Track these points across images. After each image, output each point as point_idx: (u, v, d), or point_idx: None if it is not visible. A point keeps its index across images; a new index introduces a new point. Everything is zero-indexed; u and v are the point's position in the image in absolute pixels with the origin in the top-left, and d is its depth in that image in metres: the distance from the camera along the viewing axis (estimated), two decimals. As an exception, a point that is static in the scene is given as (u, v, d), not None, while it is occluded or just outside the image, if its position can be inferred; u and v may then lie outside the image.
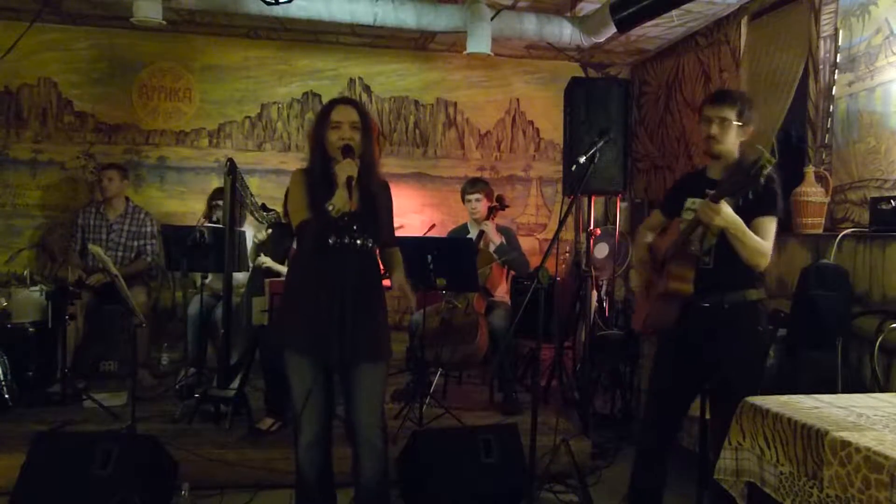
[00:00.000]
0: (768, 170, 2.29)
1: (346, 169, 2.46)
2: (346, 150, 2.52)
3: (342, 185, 2.43)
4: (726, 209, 2.46)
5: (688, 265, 2.63)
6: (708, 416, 2.83)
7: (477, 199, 4.61)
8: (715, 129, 2.66)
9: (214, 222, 4.53)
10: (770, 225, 2.59)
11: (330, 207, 2.39)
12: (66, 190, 5.80)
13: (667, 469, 2.88)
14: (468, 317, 4.37)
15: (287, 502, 3.17)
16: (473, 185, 4.68)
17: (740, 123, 2.66)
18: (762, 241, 2.55)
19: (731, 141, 2.68)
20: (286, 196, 3.92)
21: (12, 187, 5.73)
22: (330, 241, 2.52)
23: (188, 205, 5.87)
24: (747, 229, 2.51)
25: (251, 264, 4.43)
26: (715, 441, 2.66)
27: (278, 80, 6.11)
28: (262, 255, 4.24)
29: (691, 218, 2.62)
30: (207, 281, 4.74)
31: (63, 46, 5.77)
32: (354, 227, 2.55)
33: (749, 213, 2.54)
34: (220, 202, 4.72)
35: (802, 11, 4.15)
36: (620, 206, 5.79)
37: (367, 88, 6.25)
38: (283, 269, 4.20)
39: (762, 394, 2.30)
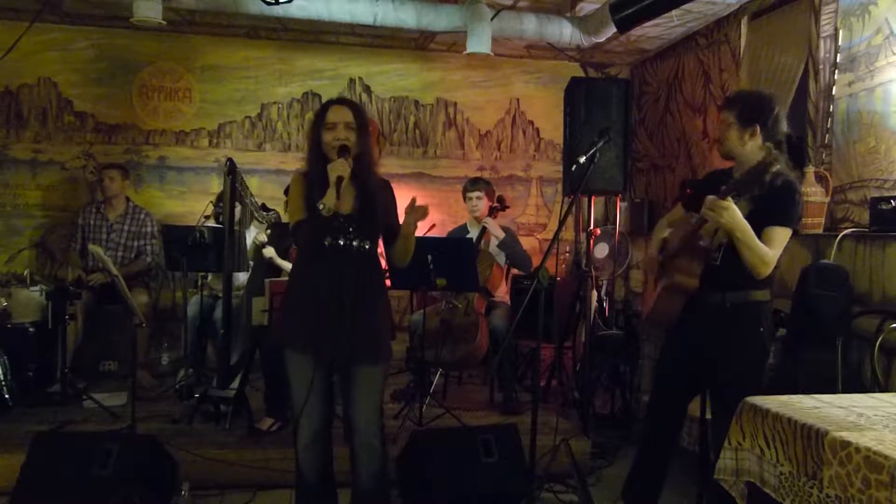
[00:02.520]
0: (776, 168, 2.29)
1: (337, 169, 2.47)
2: (341, 150, 2.53)
3: (332, 185, 2.43)
4: (733, 209, 2.44)
5: (696, 260, 2.63)
6: (708, 415, 2.84)
7: (478, 197, 4.61)
8: (719, 132, 2.71)
9: (220, 223, 4.52)
10: (780, 234, 2.56)
11: (321, 206, 2.40)
12: (66, 190, 5.81)
13: (666, 473, 2.88)
14: (468, 317, 4.37)
15: (287, 502, 3.17)
16: (475, 183, 4.69)
17: (740, 124, 2.65)
18: (766, 249, 2.52)
19: (734, 142, 2.67)
20: (286, 195, 3.95)
21: (12, 187, 5.73)
22: (326, 242, 2.53)
23: (188, 205, 5.87)
24: (751, 234, 2.48)
25: (251, 263, 4.43)
26: (714, 441, 2.66)
27: (278, 80, 6.11)
28: (267, 245, 4.20)
29: (699, 216, 2.61)
30: (207, 280, 4.75)
31: (63, 46, 5.77)
32: (350, 229, 2.55)
33: (762, 220, 2.52)
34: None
35: (802, 11, 4.15)
36: (620, 206, 5.79)
37: (367, 88, 6.25)
38: (285, 263, 4.19)
39: (762, 394, 2.31)
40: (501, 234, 4.54)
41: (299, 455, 2.62)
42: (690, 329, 2.72)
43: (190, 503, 3.21)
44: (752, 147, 2.67)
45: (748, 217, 2.49)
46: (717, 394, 2.72)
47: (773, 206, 2.51)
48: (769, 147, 2.53)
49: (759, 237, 2.51)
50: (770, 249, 2.53)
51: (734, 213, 2.44)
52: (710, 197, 2.45)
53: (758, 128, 2.67)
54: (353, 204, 2.59)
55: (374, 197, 2.64)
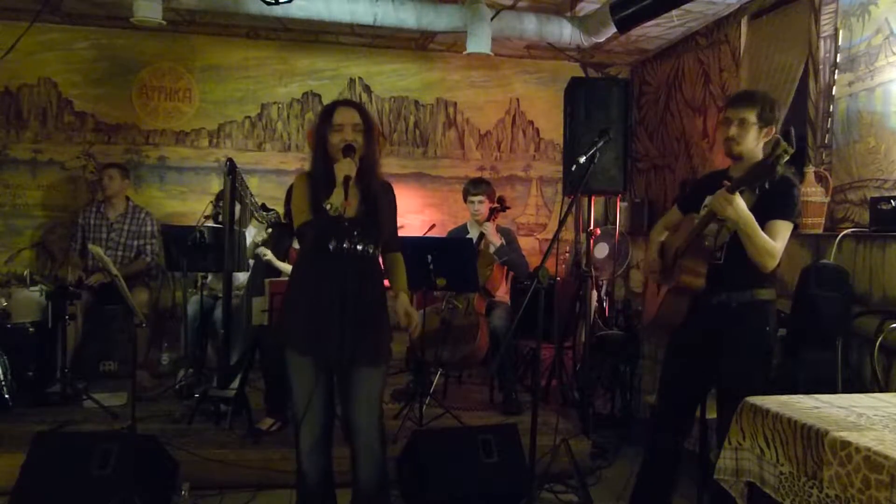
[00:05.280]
0: (786, 158, 2.27)
1: (343, 168, 2.47)
2: (347, 150, 2.53)
3: (339, 184, 2.43)
4: (740, 202, 2.44)
5: (701, 260, 2.62)
6: (711, 415, 2.83)
7: (479, 201, 4.60)
8: (734, 131, 2.64)
9: (220, 223, 4.52)
10: (783, 228, 2.56)
11: (328, 206, 2.40)
12: (66, 190, 5.81)
13: (675, 481, 2.86)
14: (469, 317, 4.37)
15: (287, 502, 3.17)
16: (476, 185, 4.67)
17: (760, 124, 2.64)
18: (771, 241, 2.52)
19: (751, 142, 2.65)
20: (287, 196, 3.95)
21: (12, 187, 5.73)
22: (330, 246, 2.53)
23: (188, 205, 5.87)
24: (756, 227, 2.49)
25: (250, 262, 4.42)
26: (720, 441, 2.64)
27: (278, 80, 6.11)
28: (262, 247, 4.21)
29: (704, 213, 2.62)
30: (207, 280, 4.75)
31: (63, 46, 5.77)
32: (355, 233, 2.55)
33: (764, 214, 2.52)
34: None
35: (802, 11, 4.15)
36: (620, 206, 5.80)
37: (367, 88, 6.25)
38: (284, 265, 4.19)
39: (762, 394, 2.31)
40: (498, 243, 4.52)
41: (302, 458, 2.62)
42: (696, 330, 2.70)
43: (190, 503, 3.21)
44: (760, 146, 2.68)
45: (752, 210, 2.50)
46: (723, 394, 2.70)
47: (773, 200, 2.51)
48: (779, 139, 2.46)
49: (763, 230, 2.51)
50: (775, 242, 2.53)
51: (740, 207, 2.45)
52: (720, 191, 2.45)
53: (773, 129, 2.68)
54: (357, 207, 2.58)
55: (378, 200, 2.63)
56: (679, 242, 2.75)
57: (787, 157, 2.27)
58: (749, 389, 2.52)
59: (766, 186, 2.44)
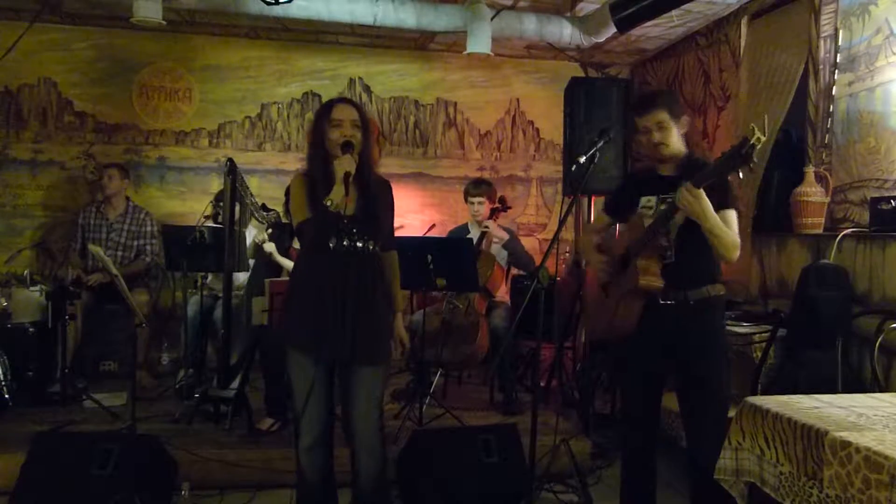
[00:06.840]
0: (759, 145, 2.21)
1: (344, 165, 2.48)
2: (346, 146, 2.54)
3: (339, 181, 2.44)
4: (705, 198, 2.40)
5: (655, 259, 2.60)
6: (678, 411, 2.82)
7: (480, 203, 4.59)
8: (657, 136, 2.65)
9: (220, 223, 4.52)
10: (733, 217, 2.55)
11: (328, 203, 2.40)
12: (67, 190, 5.81)
13: (656, 470, 2.87)
14: (469, 317, 4.37)
15: (287, 502, 3.17)
16: (477, 186, 4.66)
17: (674, 119, 2.66)
18: (734, 233, 2.51)
19: (675, 139, 2.68)
20: (286, 196, 3.96)
21: (12, 187, 5.73)
22: (330, 244, 2.53)
23: (188, 205, 5.87)
24: (720, 221, 2.45)
25: (250, 262, 4.43)
26: (697, 438, 2.65)
27: (278, 80, 6.11)
28: (267, 241, 4.20)
29: (663, 210, 2.56)
30: (207, 280, 4.75)
31: (63, 46, 5.77)
32: (354, 230, 2.56)
33: (714, 206, 2.47)
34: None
35: (802, 11, 4.15)
36: (620, 206, 5.78)
37: (367, 88, 6.25)
38: (285, 261, 4.19)
39: (762, 394, 2.31)
40: (505, 235, 4.54)
41: (301, 457, 2.62)
42: (658, 332, 2.65)
43: (190, 503, 3.21)
44: (682, 139, 2.70)
45: None
46: (691, 391, 2.69)
47: (718, 191, 2.47)
48: (752, 126, 2.29)
49: None
50: (734, 233, 2.52)
51: (706, 202, 2.41)
52: (683, 187, 2.40)
53: (685, 117, 2.71)
54: (356, 204, 2.59)
55: (376, 197, 2.65)
56: (627, 244, 2.70)
57: (760, 145, 2.23)
58: (719, 384, 2.64)
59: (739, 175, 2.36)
